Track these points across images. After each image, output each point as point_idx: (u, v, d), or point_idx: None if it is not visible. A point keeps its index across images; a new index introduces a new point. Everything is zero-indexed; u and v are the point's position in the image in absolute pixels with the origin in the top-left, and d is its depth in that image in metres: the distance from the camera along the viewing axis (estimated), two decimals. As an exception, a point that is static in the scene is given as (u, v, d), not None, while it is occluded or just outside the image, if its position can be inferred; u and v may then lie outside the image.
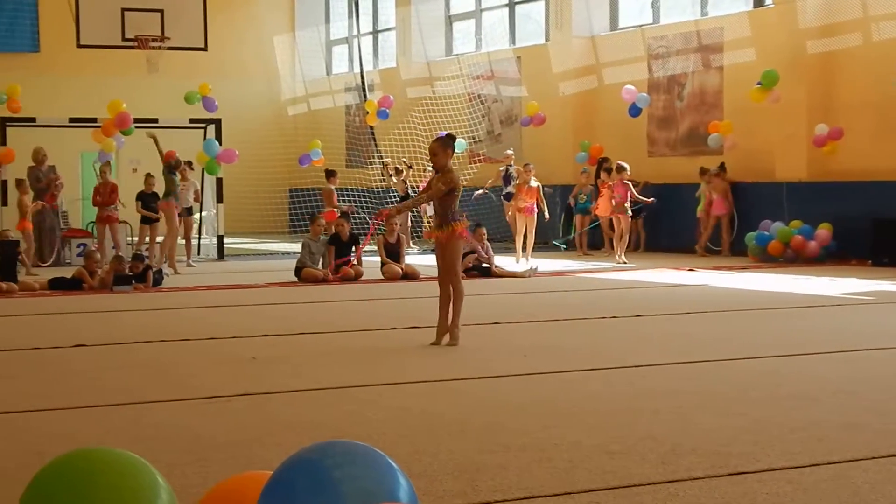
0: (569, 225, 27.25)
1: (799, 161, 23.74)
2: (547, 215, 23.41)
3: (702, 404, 8.22)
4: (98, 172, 23.67)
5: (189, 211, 24.13)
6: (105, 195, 22.79)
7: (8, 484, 6.14)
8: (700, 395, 8.65)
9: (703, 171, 24.68)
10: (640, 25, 27.96)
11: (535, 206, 23.08)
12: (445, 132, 12.79)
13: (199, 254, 25.36)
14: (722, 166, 24.52)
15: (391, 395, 8.84)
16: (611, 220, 24.58)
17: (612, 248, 24.90)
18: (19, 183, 23.20)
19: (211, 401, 8.57)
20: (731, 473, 6.23)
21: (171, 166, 22.59)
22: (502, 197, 26.13)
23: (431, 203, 12.08)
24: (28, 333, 13.19)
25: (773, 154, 24.22)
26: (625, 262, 22.53)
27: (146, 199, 23.53)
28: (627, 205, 23.06)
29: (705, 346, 11.44)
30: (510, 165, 25.97)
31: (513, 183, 25.33)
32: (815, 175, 23.51)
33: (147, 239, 23.40)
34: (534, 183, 23.11)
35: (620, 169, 23.17)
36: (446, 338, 11.70)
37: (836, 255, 22.11)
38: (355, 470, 3.36)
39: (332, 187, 25.48)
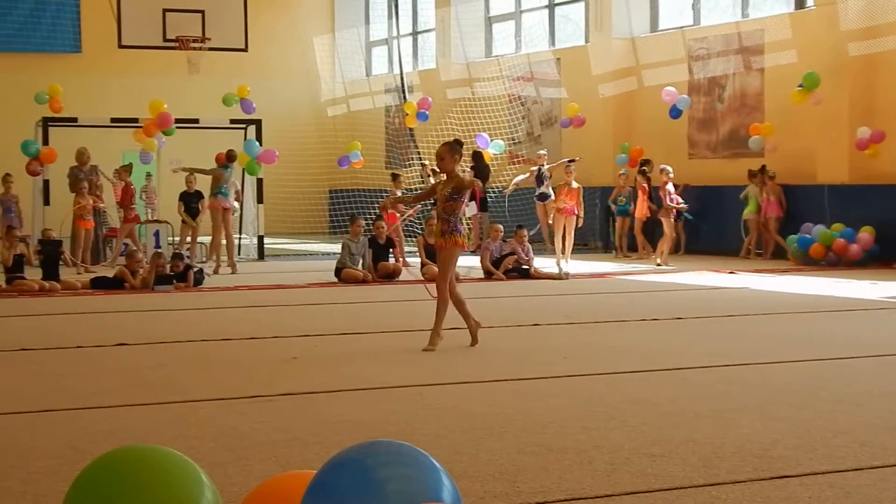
0: (608, 227, 27.19)
1: (841, 164, 23.60)
2: (581, 221, 23.32)
3: (743, 407, 8.19)
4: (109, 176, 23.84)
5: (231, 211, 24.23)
6: (127, 197, 23.23)
7: (52, 481, 6.19)
8: (741, 398, 8.61)
9: (753, 174, 24.48)
10: (681, 27, 27.87)
11: (574, 207, 23.02)
12: (454, 138, 12.67)
13: (239, 254, 25.43)
14: (763, 169, 24.39)
15: (431, 396, 8.84)
16: (644, 222, 24.65)
17: (647, 250, 24.93)
18: (80, 185, 23.31)
19: (252, 400, 8.60)
20: (774, 477, 6.21)
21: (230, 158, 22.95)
22: (535, 198, 26.02)
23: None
24: (71, 332, 13.26)
25: (814, 157, 24.09)
26: (666, 266, 22.45)
27: (188, 200, 23.67)
28: (672, 207, 22.99)
29: (746, 348, 11.38)
30: (543, 166, 25.89)
31: (546, 183, 25.28)
32: (856, 178, 23.37)
33: (188, 239, 23.55)
34: (574, 184, 23.05)
35: (663, 171, 23.15)
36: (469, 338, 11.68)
37: (878, 259, 21.95)
38: (399, 470, 3.37)
39: (398, 192, 25.49)
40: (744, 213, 24.65)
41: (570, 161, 23.90)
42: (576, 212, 22.84)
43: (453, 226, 11.59)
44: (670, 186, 23.11)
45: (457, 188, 11.51)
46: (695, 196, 24.84)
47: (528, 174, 26.45)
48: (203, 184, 23.81)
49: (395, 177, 25.59)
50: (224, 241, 23.18)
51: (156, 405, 8.48)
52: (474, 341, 11.67)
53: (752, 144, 24.52)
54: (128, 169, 24.40)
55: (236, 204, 24.90)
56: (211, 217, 22.96)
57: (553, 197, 25.01)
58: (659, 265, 22.55)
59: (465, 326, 11.79)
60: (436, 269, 19.56)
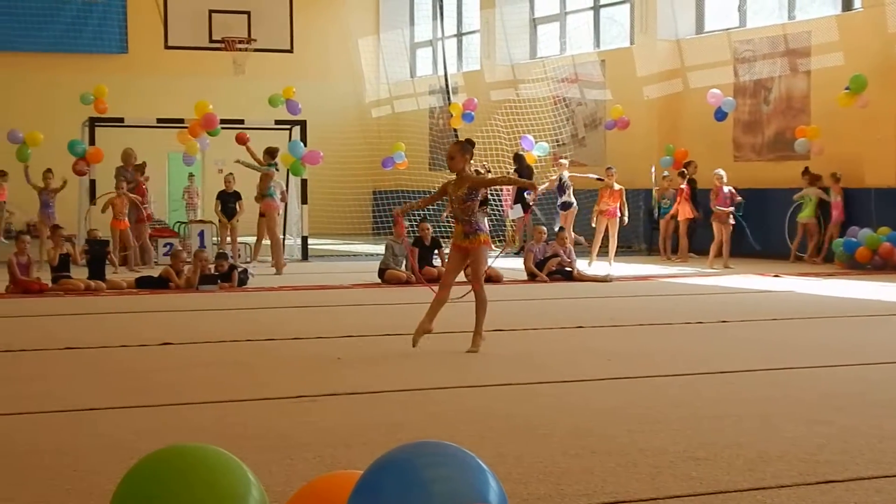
0: (652, 229, 27.12)
1: (888, 167, 23.42)
2: (626, 219, 23.28)
3: (788, 412, 8.14)
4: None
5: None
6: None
7: (97, 479, 6.23)
8: (786, 402, 8.57)
9: (816, 177, 24.16)
10: (727, 29, 27.74)
11: (617, 209, 22.99)
12: (466, 138, 12.57)
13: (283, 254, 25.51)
14: (806, 171, 24.24)
15: (475, 398, 8.84)
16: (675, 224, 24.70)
17: (677, 252, 25.01)
18: (119, 184, 23.47)
19: (296, 400, 8.62)
20: (819, 482, 6.17)
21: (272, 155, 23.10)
22: (558, 207, 25.81)
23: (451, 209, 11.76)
24: (116, 332, 13.34)
25: (861, 160, 23.92)
26: (712, 269, 22.37)
27: (225, 199, 23.79)
28: (726, 210, 22.92)
29: (791, 352, 11.33)
30: (564, 174, 25.79)
31: (567, 192, 25.19)
32: (904, 181, 23.23)
33: (229, 239, 23.66)
34: (616, 186, 23.04)
35: (715, 176, 23.11)
36: (473, 342, 11.55)
37: (926, 263, 21.79)
38: (446, 471, 3.37)
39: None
40: (799, 216, 24.24)
41: (597, 178, 23.95)
42: (618, 214, 22.83)
43: (476, 226, 11.51)
44: (726, 189, 23.02)
45: (472, 187, 11.40)
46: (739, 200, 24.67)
47: (547, 183, 26.35)
48: (242, 185, 23.96)
49: None
50: (268, 242, 23.29)
51: (200, 404, 8.52)
52: (415, 342, 11.43)
53: (797, 147, 24.38)
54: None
55: (282, 205, 24.98)
56: (269, 220, 22.99)
57: (575, 205, 25.06)
58: (713, 269, 22.45)
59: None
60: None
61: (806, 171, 24.24)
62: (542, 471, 6.38)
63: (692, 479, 6.22)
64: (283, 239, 25.62)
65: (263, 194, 23.00)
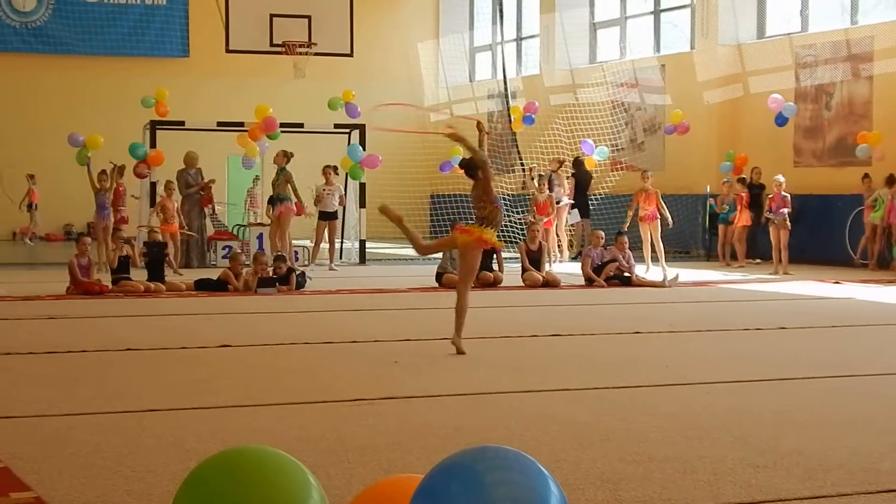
0: (711, 235, 26.99)
1: (951, 173, 23.21)
2: (670, 221, 23.14)
3: (849, 420, 8.08)
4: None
5: (334, 215, 24.37)
6: (119, 199, 23.69)
7: (157, 479, 6.27)
8: (848, 409, 8.49)
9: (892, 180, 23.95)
10: (788, 34, 27.57)
11: (656, 212, 22.90)
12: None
13: (341, 258, 25.60)
14: (866, 176, 24.06)
15: (533, 402, 8.83)
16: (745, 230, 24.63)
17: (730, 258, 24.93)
18: (167, 185, 23.66)
19: (354, 403, 8.64)
20: (881, 491, 6.12)
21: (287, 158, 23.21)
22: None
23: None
24: (175, 334, 13.43)
25: (923, 166, 23.72)
26: (777, 274, 22.26)
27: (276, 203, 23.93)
28: (784, 213, 22.81)
29: (853, 360, 11.23)
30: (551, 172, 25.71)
31: (556, 191, 25.16)
32: (967, 187, 22.98)
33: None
34: (650, 188, 22.99)
35: (775, 182, 22.99)
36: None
37: None
38: (508, 475, 3.37)
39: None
40: (872, 216, 23.95)
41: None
42: (657, 217, 22.73)
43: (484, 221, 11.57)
44: (783, 194, 22.90)
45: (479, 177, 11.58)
46: (800, 204, 24.45)
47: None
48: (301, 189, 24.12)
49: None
50: (325, 245, 23.42)
51: (258, 406, 8.56)
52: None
53: (859, 153, 24.19)
54: (121, 171, 24.43)
55: (341, 208, 25.04)
56: (283, 223, 23.15)
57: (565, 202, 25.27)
58: (780, 274, 22.34)
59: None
60: (537, 275, 19.72)
61: (866, 176, 24.05)
62: (600, 476, 6.37)
63: (751, 487, 6.18)
64: (341, 243, 25.74)
65: (284, 199, 23.17)
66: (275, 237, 23.32)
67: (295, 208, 23.47)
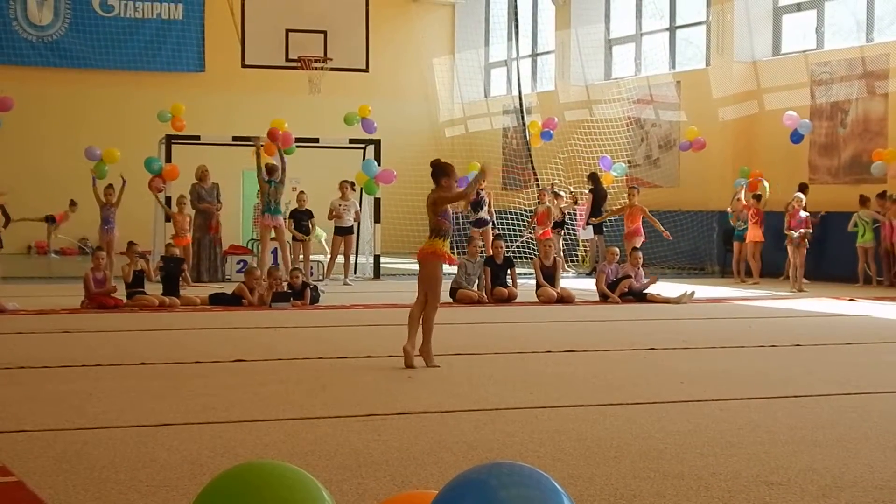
0: (727, 251, 26.96)
1: (964, 190, 23.19)
2: (666, 234, 23.11)
3: (865, 437, 8.05)
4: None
5: (350, 230, 24.38)
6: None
7: (171, 494, 6.27)
8: (863, 427, 8.47)
9: (865, 200, 24.08)
10: (804, 51, 27.57)
11: (640, 228, 22.92)
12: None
13: (355, 273, 25.62)
14: (883, 195, 24.02)
15: (547, 418, 8.82)
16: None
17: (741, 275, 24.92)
18: (179, 199, 23.72)
19: (368, 418, 8.64)
20: (896, 509, 6.10)
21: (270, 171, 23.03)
22: (471, 224, 25.76)
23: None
24: (190, 347, 13.45)
25: (938, 183, 23.69)
26: (802, 291, 22.22)
27: (298, 217, 23.93)
28: (801, 234, 22.78)
29: (867, 377, 11.20)
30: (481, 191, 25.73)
31: (484, 209, 25.14)
32: (982, 205, 22.93)
33: (301, 256, 23.77)
34: (636, 203, 23.02)
35: (795, 198, 22.99)
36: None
37: None
38: (522, 491, 3.36)
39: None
40: (858, 241, 24.06)
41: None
42: (641, 233, 22.74)
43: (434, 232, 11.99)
44: (802, 213, 22.88)
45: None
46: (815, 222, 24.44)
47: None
48: (315, 204, 24.12)
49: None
50: (340, 260, 23.42)
51: (272, 421, 8.56)
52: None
53: (874, 170, 24.17)
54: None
55: (356, 223, 25.01)
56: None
57: (490, 223, 25.24)
58: (797, 291, 22.30)
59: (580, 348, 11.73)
60: (551, 291, 19.71)
61: (880, 197, 24.07)
62: (614, 493, 6.35)
63: (766, 504, 6.17)
64: (356, 258, 25.73)
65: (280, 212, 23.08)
66: (336, 252, 23.50)
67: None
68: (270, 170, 22.92)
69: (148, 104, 30.76)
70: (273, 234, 22.62)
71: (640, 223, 22.86)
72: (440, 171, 11.94)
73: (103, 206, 23.57)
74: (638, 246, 22.10)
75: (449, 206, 11.97)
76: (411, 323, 11.93)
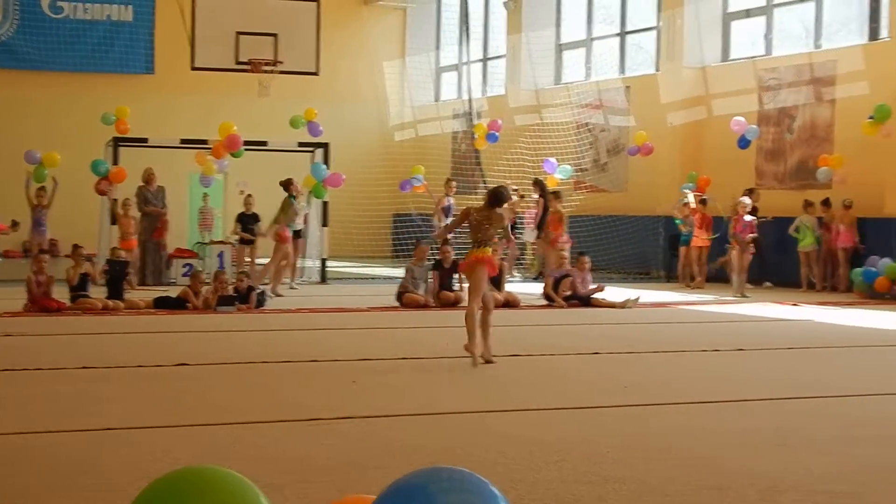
0: (673, 256, 27.05)
1: (910, 197, 23.38)
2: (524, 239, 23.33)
3: (806, 440, 8.11)
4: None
5: (298, 234, 24.31)
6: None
7: (113, 499, 6.24)
8: (804, 431, 8.53)
9: (809, 204, 24.22)
10: (752, 57, 27.73)
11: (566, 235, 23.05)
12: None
13: (302, 276, 25.53)
14: (826, 202, 24.20)
15: (492, 422, 8.83)
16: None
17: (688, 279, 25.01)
18: (124, 202, 23.54)
19: (312, 423, 8.62)
20: (834, 513, 6.14)
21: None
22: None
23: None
24: (133, 351, 13.36)
25: (883, 189, 23.85)
26: (745, 296, 22.32)
27: (245, 221, 23.81)
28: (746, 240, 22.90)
29: (810, 382, 11.28)
30: (449, 198, 25.74)
31: (450, 215, 25.21)
32: (926, 211, 23.15)
33: (247, 260, 23.64)
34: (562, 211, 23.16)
35: (739, 203, 23.10)
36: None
37: (946, 294, 21.68)
38: (461, 497, 3.36)
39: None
40: (800, 245, 24.26)
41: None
42: (568, 240, 22.82)
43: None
44: (747, 218, 23.00)
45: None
46: (760, 226, 24.53)
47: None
48: (262, 207, 24.02)
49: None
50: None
51: (216, 426, 8.53)
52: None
53: (820, 176, 24.33)
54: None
55: (305, 227, 24.94)
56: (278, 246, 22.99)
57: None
58: (740, 296, 22.40)
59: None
60: (497, 295, 19.70)
61: (824, 205, 24.25)
62: (555, 498, 6.37)
63: (705, 509, 6.20)
64: (303, 261, 25.65)
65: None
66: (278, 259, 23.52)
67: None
68: (287, 185, 23.04)
69: (96, 106, 30.47)
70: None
71: (564, 228, 22.85)
72: (501, 197, 12.88)
73: (34, 208, 23.34)
74: (565, 252, 22.16)
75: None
76: (470, 328, 12.38)
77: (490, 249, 12.68)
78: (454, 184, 26.55)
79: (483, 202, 12.97)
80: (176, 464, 6.79)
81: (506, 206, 25.09)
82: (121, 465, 7.11)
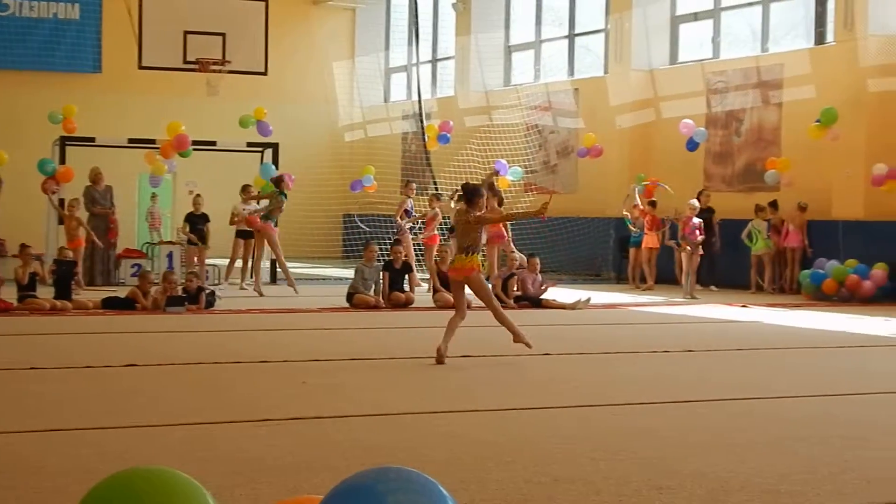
0: (623, 257, 27.16)
1: (856, 200, 23.57)
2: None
3: (752, 441, 8.17)
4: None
5: (251, 234, 24.24)
6: None
7: (61, 500, 6.20)
8: (751, 431, 8.60)
9: (760, 208, 24.38)
10: (700, 60, 27.89)
11: (502, 231, 23.04)
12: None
13: (251, 277, 25.40)
14: (774, 204, 24.36)
15: (442, 423, 8.84)
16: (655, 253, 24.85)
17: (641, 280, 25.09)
18: (70, 202, 23.34)
19: (262, 424, 8.60)
20: (781, 512, 6.19)
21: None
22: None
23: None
24: (81, 352, 13.28)
25: (829, 192, 24.05)
26: (694, 298, 22.41)
27: (194, 221, 23.68)
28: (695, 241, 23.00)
29: (756, 382, 11.36)
30: (409, 197, 25.80)
31: (411, 217, 25.27)
32: (872, 214, 23.33)
33: (196, 260, 23.53)
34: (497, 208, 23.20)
35: (689, 206, 23.20)
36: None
37: (892, 296, 21.87)
38: (409, 497, 3.37)
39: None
40: (753, 249, 24.38)
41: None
42: (504, 236, 22.77)
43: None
44: (695, 220, 23.10)
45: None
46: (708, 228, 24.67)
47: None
48: (210, 207, 23.92)
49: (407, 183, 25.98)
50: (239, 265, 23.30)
51: (165, 426, 8.49)
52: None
53: (767, 179, 24.50)
54: None
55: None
56: (267, 240, 22.92)
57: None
58: (689, 298, 22.49)
59: (488, 354, 11.80)
60: (448, 296, 19.70)
61: (771, 206, 24.38)
62: (505, 498, 6.38)
63: (655, 509, 6.23)
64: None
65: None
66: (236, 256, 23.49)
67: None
68: (278, 181, 22.94)
69: (43, 105, 30.24)
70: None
71: (502, 227, 22.76)
72: (475, 192, 12.92)
73: None
74: (506, 251, 22.19)
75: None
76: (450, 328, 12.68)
77: (478, 258, 12.86)
78: (414, 185, 26.49)
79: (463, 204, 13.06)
80: (125, 465, 6.75)
81: (454, 205, 25.23)
82: (68, 466, 7.06)
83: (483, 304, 13.09)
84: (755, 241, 24.33)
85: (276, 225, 22.93)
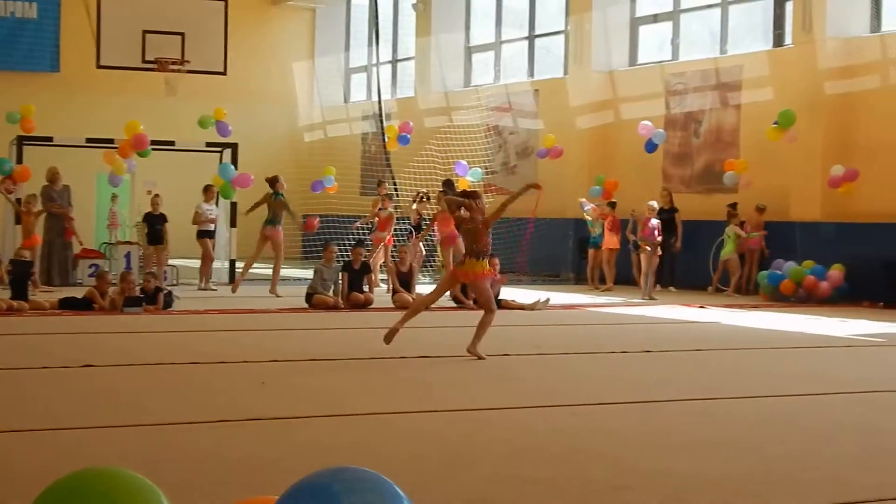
0: (582, 258, 27.21)
1: (813, 201, 23.69)
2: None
3: (714, 442, 8.18)
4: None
5: (212, 234, 24.15)
6: None
7: (16, 501, 6.13)
8: (712, 432, 8.61)
9: (733, 214, 24.31)
10: (659, 62, 27.98)
11: (454, 232, 23.08)
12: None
13: (211, 278, 25.30)
14: (734, 206, 24.43)
15: (404, 423, 8.81)
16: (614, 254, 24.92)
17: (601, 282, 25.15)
18: (26, 200, 23.13)
19: (220, 424, 8.54)
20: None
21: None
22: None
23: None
24: (37, 352, 13.17)
25: (787, 193, 24.17)
26: (653, 299, 22.45)
27: (152, 221, 23.55)
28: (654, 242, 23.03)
29: (716, 383, 11.39)
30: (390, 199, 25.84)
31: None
32: (829, 216, 23.46)
33: (155, 261, 23.40)
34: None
35: (648, 207, 23.22)
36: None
37: (848, 297, 22.01)
38: (364, 497, 3.34)
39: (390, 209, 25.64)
40: (722, 253, 24.41)
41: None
42: (457, 236, 22.83)
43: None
44: (654, 221, 23.12)
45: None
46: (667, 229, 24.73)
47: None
48: (168, 207, 23.80)
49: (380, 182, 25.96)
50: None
51: (122, 427, 8.42)
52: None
53: (726, 180, 24.58)
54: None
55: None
56: (273, 246, 22.83)
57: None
58: (647, 299, 22.50)
59: (447, 354, 11.79)
60: (407, 297, 19.71)
61: (731, 207, 24.43)
62: (465, 498, 6.36)
63: (616, 509, 6.22)
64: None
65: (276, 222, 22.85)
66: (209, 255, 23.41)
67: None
68: (272, 182, 22.78)
69: (1, 104, 30.06)
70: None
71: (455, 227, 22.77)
72: (474, 195, 13.39)
73: None
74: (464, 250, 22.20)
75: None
76: (414, 309, 13.36)
77: (487, 263, 13.18)
78: (387, 184, 26.47)
79: (469, 203, 13.20)
80: (80, 466, 6.69)
81: (414, 206, 25.23)
82: (24, 468, 6.99)
83: (477, 307, 13.37)
84: (726, 245, 24.27)
85: (279, 224, 22.83)
